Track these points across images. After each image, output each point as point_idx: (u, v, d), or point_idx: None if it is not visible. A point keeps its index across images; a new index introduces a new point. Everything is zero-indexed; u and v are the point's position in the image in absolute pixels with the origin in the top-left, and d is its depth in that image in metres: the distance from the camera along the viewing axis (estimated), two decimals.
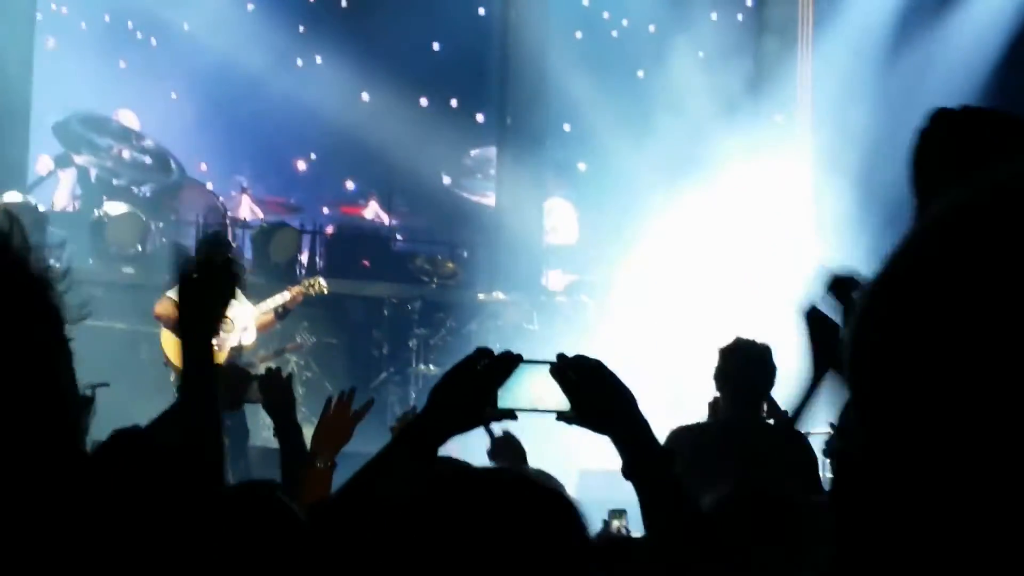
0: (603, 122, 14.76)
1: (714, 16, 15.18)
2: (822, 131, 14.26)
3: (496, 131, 16.19)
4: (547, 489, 2.09)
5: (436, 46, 17.03)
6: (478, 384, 2.53)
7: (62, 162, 14.45)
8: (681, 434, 5.82)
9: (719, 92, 14.33)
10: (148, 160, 14.72)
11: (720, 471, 5.34)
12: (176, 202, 14.49)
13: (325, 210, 16.65)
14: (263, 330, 11.27)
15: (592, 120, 14.97)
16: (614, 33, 16.57)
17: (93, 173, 14.27)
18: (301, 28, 16.84)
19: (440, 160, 16.75)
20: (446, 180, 17.17)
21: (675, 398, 12.58)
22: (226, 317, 2.85)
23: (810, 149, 14.31)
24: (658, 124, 14.27)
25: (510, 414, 2.55)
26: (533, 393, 2.55)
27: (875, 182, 12.09)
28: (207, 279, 2.83)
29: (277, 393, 4.54)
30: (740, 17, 15.79)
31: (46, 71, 15.06)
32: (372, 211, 16.33)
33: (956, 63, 13.62)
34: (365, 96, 16.63)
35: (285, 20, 16.42)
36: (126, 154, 14.46)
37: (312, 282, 11.33)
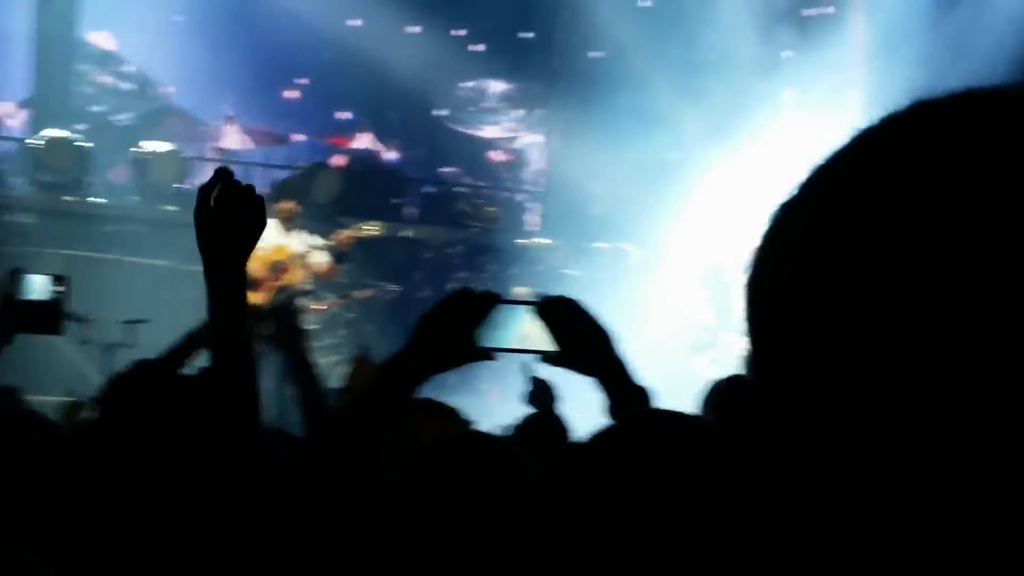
0: (652, 71, 14.63)
1: None
2: (871, 87, 14.10)
3: (550, 77, 16.06)
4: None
5: None
6: (457, 323, 2.51)
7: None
8: (718, 387, 5.79)
9: (768, 48, 14.18)
10: (128, 86, 14.26)
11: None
12: (160, 130, 14.01)
13: (314, 140, 16.24)
14: (325, 276, 11.33)
15: (641, 69, 14.84)
16: None
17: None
18: None
19: (435, 90, 16.45)
20: (439, 111, 16.79)
21: (715, 350, 12.60)
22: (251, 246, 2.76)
23: (860, 104, 14.16)
24: (707, 77, 14.14)
25: (488, 354, 2.53)
26: (517, 334, 2.53)
27: None
28: (230, 206, 2.76)
29: (288, 332, 4.43)
30: None
31: None
32: (364, 142, 16.01)
33: (1004, 20, 13.42)
34: (357, 22, 16.27)
35: None
36: (105, 80, 13.99)
37: (364, 226, 11.36)
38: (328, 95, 16.82)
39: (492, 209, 14.62)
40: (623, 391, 2.52)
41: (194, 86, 15.26)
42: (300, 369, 4.20)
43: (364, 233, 11.26)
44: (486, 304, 2.52)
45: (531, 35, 17.03)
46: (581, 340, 2.54)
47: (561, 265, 13.76)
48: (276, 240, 11.09)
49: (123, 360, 9.75)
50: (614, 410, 2.53)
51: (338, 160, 14.75)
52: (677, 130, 14.37)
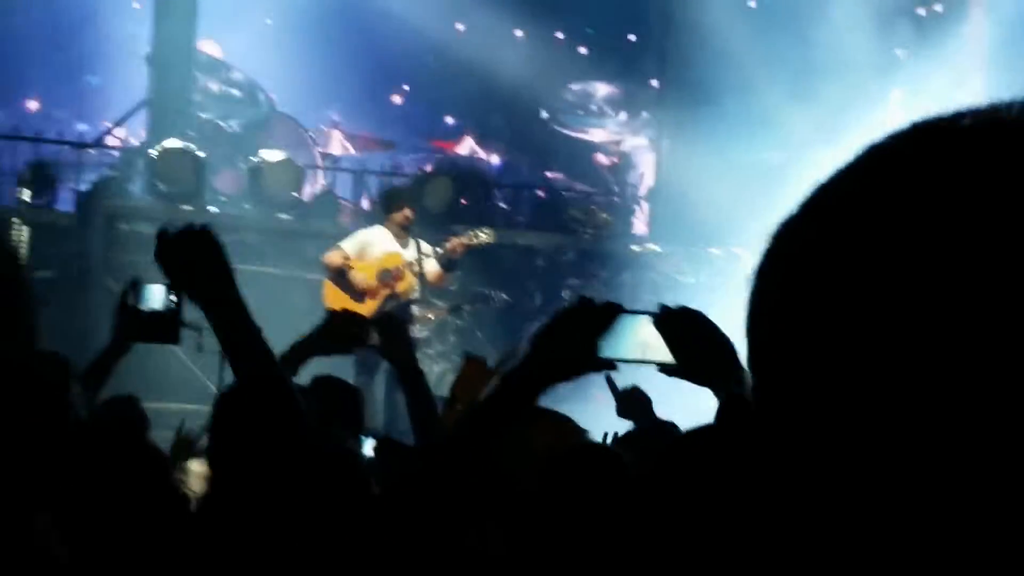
0: (763, 73, 14.49)
1: None
2: (993, 84, 13.83)
3: (657, 80, 16.00)
4: None
5: None
6: (578, 333, 2.48)
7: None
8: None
9: (884, 45, 13.97)
10: (236, 93, 14.40)
11: None
12: (265, 137, 14.16)
13: (418, 145, 16.32)
14: (436, 284, 11.37)
15: (751, 70, 14.71)
16: None
17: None
18: None
19: (540, 94, 16.39)
20: (544, 115, 16.74)
21: None
22: (227, 276, 2.84)
23: (982, 86, 13.88)
24: (819, 77, 13.97)
25: (610, 364, 2.51)
26: (636, 343, 2.50)
27: None
28: (186, 241, 2.84)
29: (395, 340, 4.45)
30: None
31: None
32: (467, 147, 16.00)
33: None
34: (460, 27, 16.30)
35: None
36: (215, 86, 14.13)
37: (477, 232, 11.35)
38: (432, 100, 16.93)
39: (604, 215, 14.56)
40: (737, 404, 2.48)
41: (299, 92, 15.43)
42: (409, 377, 4.20)
43: (476, 240, 11.26)
44: (608, 314, 2.50)
45: (635, 38, 16.99)
46: (702, 351, 2.50)
47: (674, 271, 13.67)
48: (387, 248, 11.14)
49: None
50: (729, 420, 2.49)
51: (446, 166, 14.81)
52: (788, 131, 14.22)
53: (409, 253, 11.14)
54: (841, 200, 0.89)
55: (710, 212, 13.69)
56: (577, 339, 2.48)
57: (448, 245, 11.13)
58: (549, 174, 16.08)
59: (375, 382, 10.54)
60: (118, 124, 14.59)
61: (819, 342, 0.85)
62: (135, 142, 14.41)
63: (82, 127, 16.02)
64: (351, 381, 6.21)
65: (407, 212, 11.20)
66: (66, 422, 1.70)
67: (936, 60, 13.92)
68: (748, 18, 14.65)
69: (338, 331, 4.61)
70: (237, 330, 2.79)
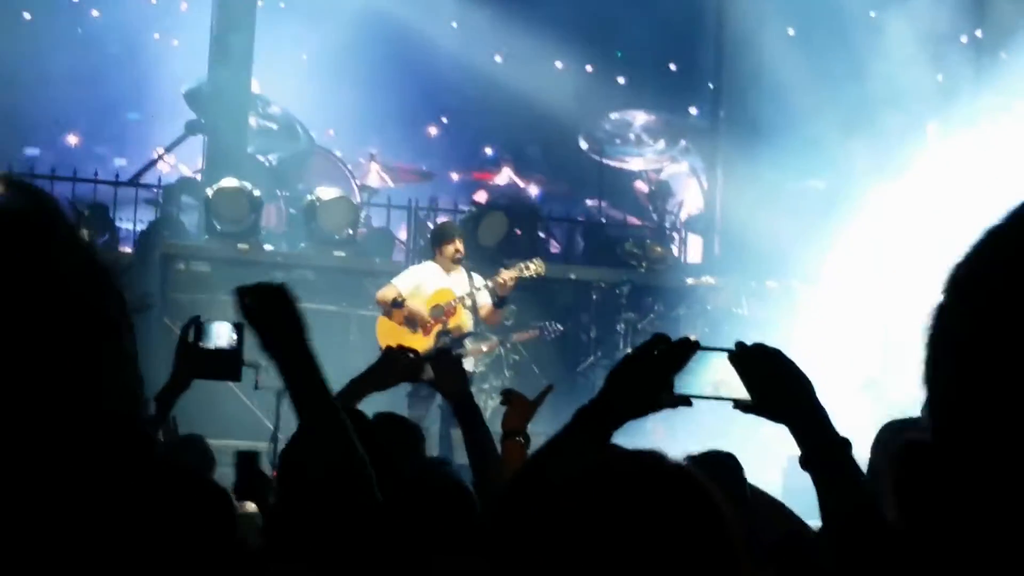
0: (814, 105, 14.45)
1: None
2: None
3: (710, 115, 16.01)
4: (694, 481, 2.03)
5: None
6: (655, 369, 2.50)
7: (192, 128, 14.25)
8: (892, 430, 5.66)
9: (931, 75, 13.91)
10: (275, 127, 14.47)
11: None
12: (304, 170, 14.25)
13: (455, 177, 16.39)
14: (489, 321, 11.38)
15: (804, 101, 14.67)
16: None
17: None
18: None
19: (578, 124, 16.42)
20: (583, 144, 16.72)
21: (879, 389, 12.33)
22: (302, 333, 2.90)
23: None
24: (873, 110, 13.93)
25: (686, 400, 2.52)
26: (711, 380, 2.52)
27: None
28: (265, 302, 2.90)
29: (450, 375, 4.49)
30: None
31: (177, 36, 14.96)
32: (505, 177, 16.06)
33: None
34: (498, 58, 16.36)
35: None
36: (253, 121, 14.17)
37: (527, 264, 11.36)
38: (470, 131, 17.00)
39: (659, 249, 14.56)
40: (818, 441, 2.48)
41: (338, 125, 15.49)
42: (464, 411, 4.23)
43: (526, 272, 11.27)
44: (685, 350, 2.51)
45: (675, 67, 17.02)
46: (778, 388, 2.51)
47: (731, 304, 13.63)
48: (439, 283, 11.18)
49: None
50: (808, 459, 2.50)
51: (498, 200, 14.89)
52: (842, 163, 14.16)
53: (461, 288, 11.17)
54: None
55: (765, 245, 13.66)
56: (653, 375, 2.50)
57: (498, 279, 11.13)
58: (589, 202, 16.14)
59: (428, 416, 10.57)
60: (166, 152, 14.76)
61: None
62: (187, 171, 14.61)
63: (120, 162, 16.19)
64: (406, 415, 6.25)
65: (458, 245, 11.24)
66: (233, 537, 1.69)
67: (978, 89, 13.81)
68: (801, 48, 14.61)
69: (393, 367, 4.65)
70: (305, 387, 2.83)
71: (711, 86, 15.93)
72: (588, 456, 2.47)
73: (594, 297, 13.79)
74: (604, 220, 15.80)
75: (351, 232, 13.19)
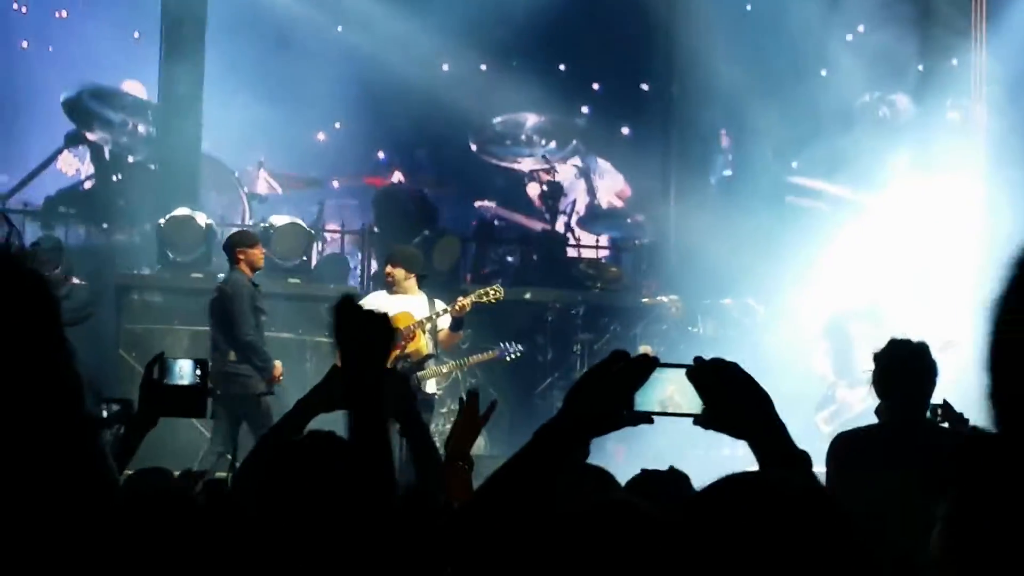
0: (765, 122, 14.53)
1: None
2: (997, 127, 13.83)
3: (661, 130, 16.06)
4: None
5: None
6: (615, 387, 2.49)
7: (73, 140, 14.01)
8: (845, 440, 5.71)
9: (885, 99, 14.05)
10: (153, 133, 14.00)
11: (886, 476, 5.22)
12: None
13: (336, 184, 16.38)
14: (446, 346, 11.33)
15: (752, 121, 14.75)
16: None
17: (107, 150, 13.82)
18: None
19: (467, 125, 16.47)
20: (472, 146, 16.76)
21: (835, 405, 12.40)
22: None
23: (984, 145, 13.90)
24: (822, 124, 14.03)
25: (646, 417, 2.52)
26: (670, 396, 2.51)
27: None
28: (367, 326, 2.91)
29: (393, 396, 4.47)
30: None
31: (56, 42, 14.69)
32: (396, 181, 16.08)
33: None
34: (387, 61, 16.18)
35: None
36: (142, 128, 13.88)
37: (487, 291, 11.33)
38: (361, 136, 16.91)
39: (614, 270, 14.58)
40: (777, 455, 2.48)
41: (226, 134, 15.28)
42: (409, 429, 4.24)
43: (486, 299, 11.25)
44: (644, 368, 2.50)
45: (564, 67, 17.11)
46: (737, 403, 2.50)
47: (687, 323, 13.66)
48: (396, 308, 11.12)
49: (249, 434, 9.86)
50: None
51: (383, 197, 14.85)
52: (798, 184, 14.26)
53: (421, 312, 11.11)
54: None
55: (720, 263, 13.72)
56: (612, 393, 2.49)
57: (456, 305, 11.10)
58: (478, 204, 16.21)
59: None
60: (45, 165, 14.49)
61: None
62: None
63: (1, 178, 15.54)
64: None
65: (403, 272, 11.11)
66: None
67: (940, 116, 13.90)
68: (752, 69, 14.69)
69: (337, 387, 4.63)
70: (372, 413, 2.88)
71: (672, 94, 15.91)
72: (549, 474, 2.46)
73: (549, 318, 13.79)
74: (496, 222, 15.88)
75: (305, 258, 13.13)
